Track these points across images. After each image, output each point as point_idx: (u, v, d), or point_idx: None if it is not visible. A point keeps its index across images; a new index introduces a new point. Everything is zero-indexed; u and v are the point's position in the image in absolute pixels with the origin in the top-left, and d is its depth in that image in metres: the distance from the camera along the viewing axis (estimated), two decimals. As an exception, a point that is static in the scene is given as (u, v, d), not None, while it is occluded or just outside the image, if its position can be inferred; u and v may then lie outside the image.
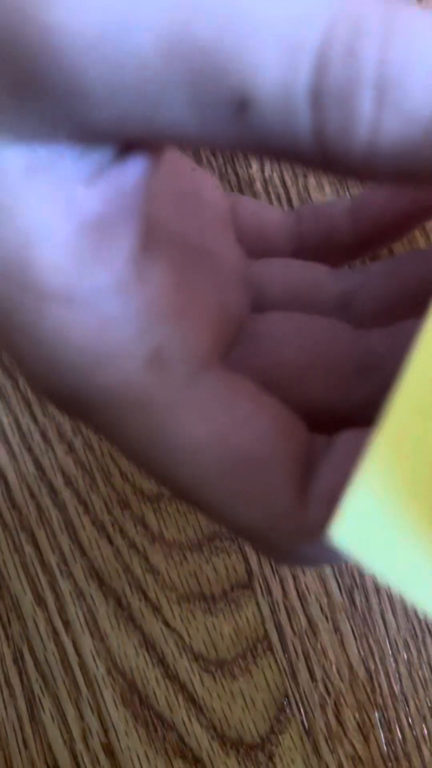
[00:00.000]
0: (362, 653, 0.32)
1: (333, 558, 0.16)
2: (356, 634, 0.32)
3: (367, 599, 0.32)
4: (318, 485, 0.15)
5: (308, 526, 0.15)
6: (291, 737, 0.32)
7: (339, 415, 0.17)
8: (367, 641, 0.32)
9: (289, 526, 0.15)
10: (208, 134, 0.13)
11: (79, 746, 0.33)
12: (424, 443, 0.11)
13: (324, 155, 0.13)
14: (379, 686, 0.32)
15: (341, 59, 0.12)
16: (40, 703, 0.34)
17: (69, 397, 0.15)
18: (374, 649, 0.32)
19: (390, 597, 0.32)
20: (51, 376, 0.15)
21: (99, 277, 0.14)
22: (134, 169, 0.15)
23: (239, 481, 0.15)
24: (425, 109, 0.12)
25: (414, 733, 0.31)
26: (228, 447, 0.15)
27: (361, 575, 0.32)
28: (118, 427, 0.15)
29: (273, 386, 0.17)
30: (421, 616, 0.32)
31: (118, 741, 0.33)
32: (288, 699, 0.32)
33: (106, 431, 0.16)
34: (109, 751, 0.33)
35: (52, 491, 0.34)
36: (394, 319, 0.18)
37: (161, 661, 0.33)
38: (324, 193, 0.32)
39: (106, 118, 0.13)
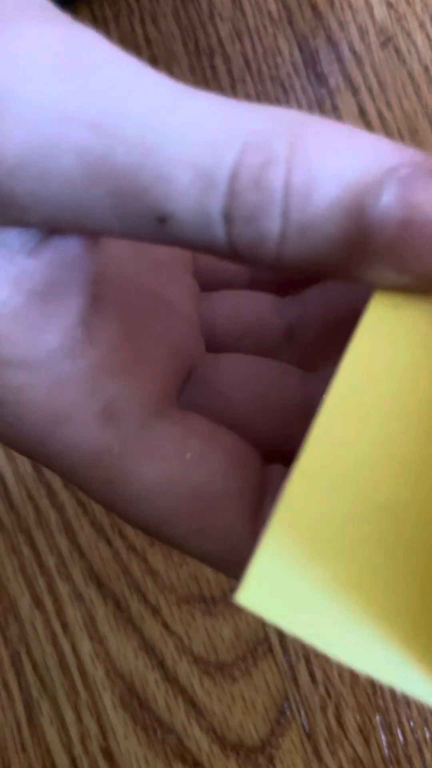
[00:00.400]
0: (363, 655, 0.32)
1: None
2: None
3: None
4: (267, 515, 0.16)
5: None
6: (291, 740, 0.32)
7: (290, 453, 0.18)
8: (368, 643, 0.32)
9: (248, 555, 0.16)
10: (133, 236, 0.14)
11: (78, 749, 0.33)
12: (331, 501, 0.12)
13: (239, 258, 0.14)
14: (381, 689, 0.31)
15: (250, 187, 0.13)
16: (39, 706, 0.33)
17: (33, 451, 0.17)
18: (375, 651, 0.32)
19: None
20: (15, 433, 0.17)
21: (50, 341, 0.16)
22: (87, 239, 0.16)
23: (196, 517, 0.16)
24: (327, 224, 0.13)
25: (415, 736, 0.31)
26: (183, 487, 0.16)
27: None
28: (79, 477, 0.17)
29: (225, 426, 0.18)
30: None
31: (117, 744, 0.33)
32: (288, 701, 0.32)
33: (71, 480, 0.17)
34: (108, 754, 0.33)
35: (51, 492, 0.34)
36: (339, 344, 0.19)
37: (161, 664, 0.33)
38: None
39: (38, 219, 0.14)
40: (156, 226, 0.14)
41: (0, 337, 0.15)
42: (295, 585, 0.11)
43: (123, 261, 0.19)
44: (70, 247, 0.16)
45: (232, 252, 0.14)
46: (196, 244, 0.14)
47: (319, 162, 0.13)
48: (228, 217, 0.14)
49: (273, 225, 0.13)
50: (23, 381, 0.16)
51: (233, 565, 0.16)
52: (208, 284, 0.22)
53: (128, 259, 0.19)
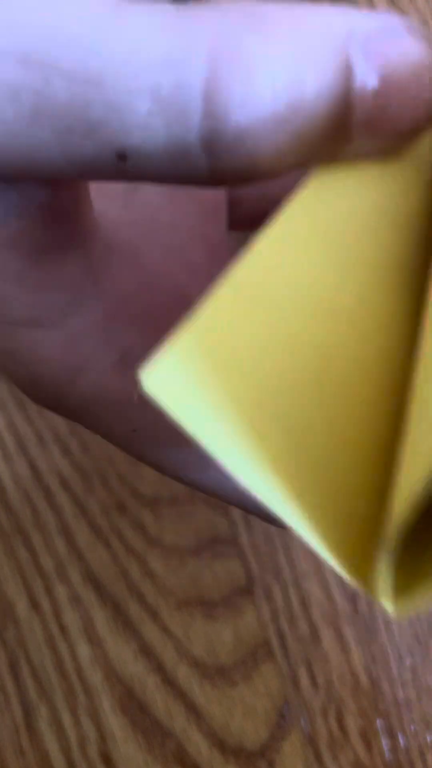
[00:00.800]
0: (364, 659, 0.31)
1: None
2: (358, 640, 0.32)
3: (370, 605, 0.32)
4: None
5: None
6: (292, 744, 0.32)
7: None
8: (369, 647, 0.31)
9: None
10: (92, 177, 0.13)
11: (77, 754, 0.33)
12: (255, 321, 0.12)
13: (222, 184, 0.13)
14: (382, 693, 0.31)
15: (232, 102, 0.12)
16: (37, 710, 0.33)
17: (56, 404, 0.17)
18: (376, 655, 0.31)
19: (393, 602, 0.31)
20: (37, 390, 0.17)
21: (58, 299, 0.16)
22: (69, 190, 0.15)
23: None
24: (316, 116, 0.12)
25: (417, 740, 0.31)
26: None
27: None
28: (104, 426, 0.17)
29: None
30: (424, 621, 0.31)
31: (117, 748, 0.33)
32: (289, 705, 0.32)
33: (97, 430, 0.17)
34: (107, 758, 0.33)
35: (48, 494, 0.34)
36: None
37: (160, 668, 0.32)
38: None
39: None
40: (116, 164, 0.12)
41: (7, 301, 0.15)
42: (199, 383, 0.12)
43: (145, 212, 0.18)
44: (59, 202, 0.15)
45: (214, 179, 0.13)
46: (167, 178, 0.13)
47: (292, 47, 0.12)
48: (210, 144, 0.12)
49: (269, 137, 0.12)
50: (37, 340, 0.16)
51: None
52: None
53: (150, 210, 0.18)
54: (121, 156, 0.12)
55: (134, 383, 0.16)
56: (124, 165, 0.12)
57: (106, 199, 0.17)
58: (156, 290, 0.17)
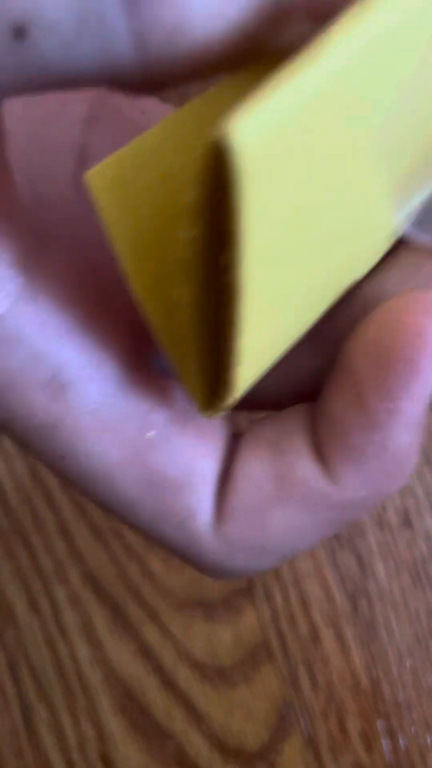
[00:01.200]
0: (365, 660, 0.31)
1: (260, 567, 0.16)
2: (359, 641, 0.31)
3: (370, 605, 0.31)
4: (235, 499, 0.15)
5: (228, 542, 0.15)
6: (292, 746, 0.32)
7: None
8: (370, 648, 0.31)
9: (210, 544, 0.15)
10: None
11: (76, 755, 0.33)
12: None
13: (147, 78, 0.11)
14: (382, 694, 0.31)
15: None
16: (36, 711, 0.33)
17: None
18: (377, 656, 0.31)
19: (393, 603, 0.31)
20: None
21: None
22: None
23: (157, 502, 0.15)
24: None
25: (418, 742, 0.31)
26: (143, 469, 0.15)
27: (364, 581, 0.32)
28: (33, 450, 0.15)
29: None
30: (424, 621, 0.31)
31: (116, 750, 0.33)
32: (289, 707, 0.32)
33: (27, 451, 0.16)
34: (107, 760, 0.33)
35: (48, 495, 0.33)
36: None
37: (159, 669, 0.32)
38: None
39: None
40: (12, 46, 0.10)
41: None
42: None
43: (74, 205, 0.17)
44: None
45: (140, 71, 0.11)
46: (78, 67, 0.11)
47: None
48: (135, 12, 0.10)
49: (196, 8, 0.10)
50: None
51: (192, 556, 0.15)
52: None
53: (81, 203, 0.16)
54: (19, 32, 0.10)
55: (66, 410, 0.15)
56: (23, 48, 0.10)
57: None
58: (101, 291, 0.16)
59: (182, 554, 0.16)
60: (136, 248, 0.13)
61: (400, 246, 0.15)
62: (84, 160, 0.17)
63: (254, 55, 0.12)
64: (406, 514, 0.32)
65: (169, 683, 0.32)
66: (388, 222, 0.14)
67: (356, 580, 0.32)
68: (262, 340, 0.13)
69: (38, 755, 0.33)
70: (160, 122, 0.13)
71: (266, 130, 0.10)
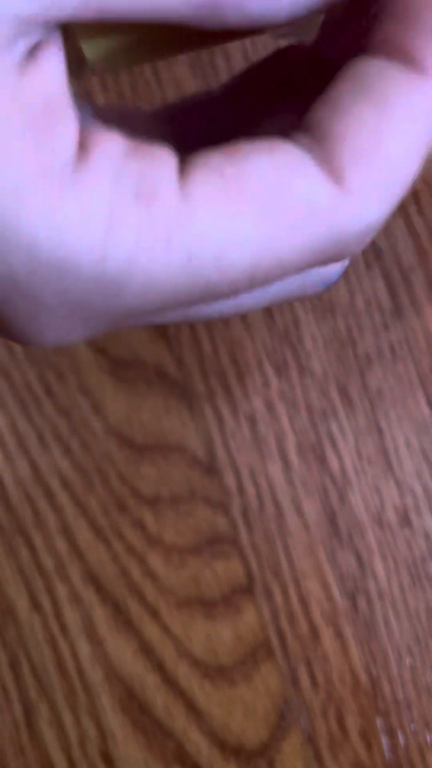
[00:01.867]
0: (364, 659, 0.31)
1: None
2: (358, 639, 0.32)
3: (370, 604, 0.32)
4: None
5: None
6: (292, 744, 0.32)
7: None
8: (369, 647, 0.31)
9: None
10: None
11: (77, 753, 0.33)
12: None
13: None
14: (382, 692, 0.31)
15: None
16: (37, 709, 0.33)
17: None
18: (376, 654, 0.31)
19: (393, 601, 0.31)
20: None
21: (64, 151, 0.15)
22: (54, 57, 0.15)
23: None
24: None
25: (417, 740, 0.31)
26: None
27: (363, 580, 0.32)
28: None
29: None
30: (424, 620, 0.31)
31: (117, 747, 0.33)
32: (289, 705, 0.32)
33: None
34: (107, 758, 0.33)
35: (49, 494, 0.34)
36: None
37: (160, 667, 0.32)
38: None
39: None
40: None
41: (8, 156, 0.14)
42: None
43: None
44: (50, 68, 0.15)
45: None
46: None
47: None
48: None
49: None
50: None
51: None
52: None
53: None
54: None
55: None
56: None
57: None
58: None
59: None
60: None
61: None
62: None
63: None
64: (405, 513, 0.32)
65: (169, 681, 0.32)
66: None
67: (356, 579, 0.32)
68: None
69: (39, 753, 0.33)
70: None
71: None
